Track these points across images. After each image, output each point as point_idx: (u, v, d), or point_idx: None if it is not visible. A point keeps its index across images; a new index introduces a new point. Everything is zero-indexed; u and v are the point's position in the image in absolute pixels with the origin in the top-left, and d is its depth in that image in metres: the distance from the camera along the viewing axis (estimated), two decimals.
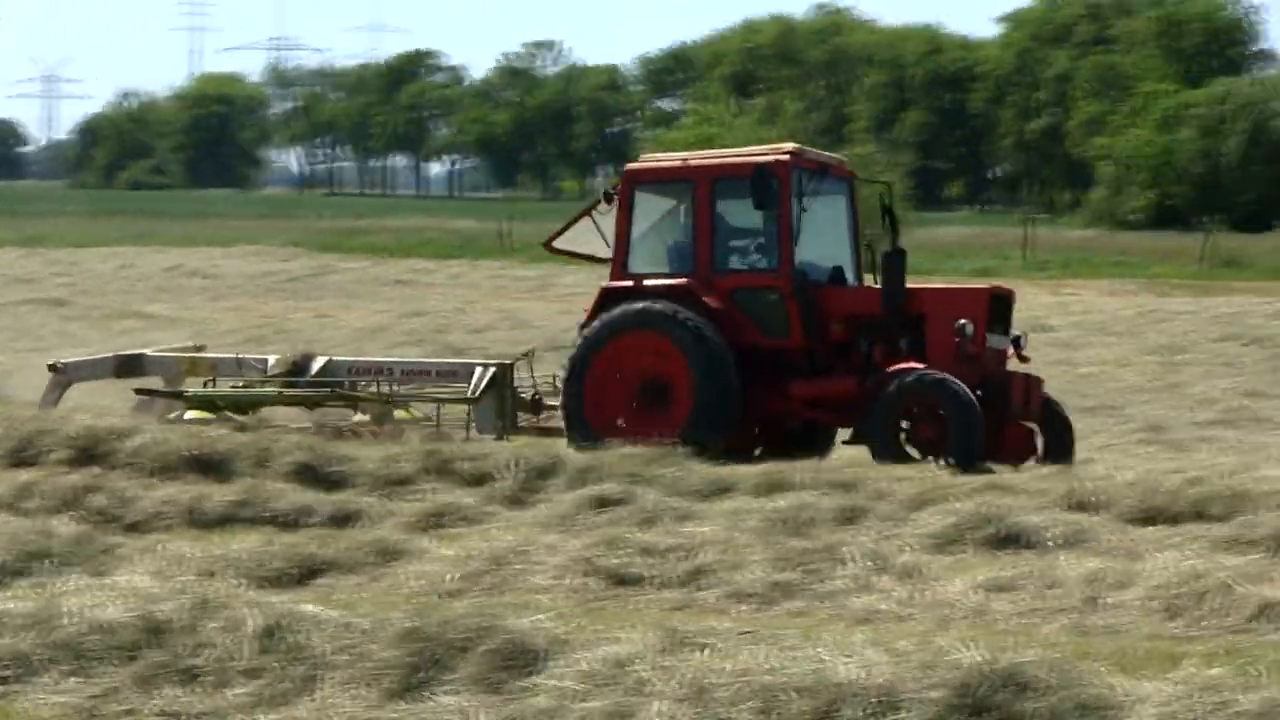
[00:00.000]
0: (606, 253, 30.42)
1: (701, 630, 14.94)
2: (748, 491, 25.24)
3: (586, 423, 28.15)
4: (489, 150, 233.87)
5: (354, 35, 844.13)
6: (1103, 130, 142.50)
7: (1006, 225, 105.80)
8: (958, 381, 27.09)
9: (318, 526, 22.42)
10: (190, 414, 31.10)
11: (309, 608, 15.19)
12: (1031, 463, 27.50)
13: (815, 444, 28.86)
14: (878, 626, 17.42)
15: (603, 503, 23.36)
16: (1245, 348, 51.39)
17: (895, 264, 28.61)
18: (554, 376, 30.89)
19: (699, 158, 30.64)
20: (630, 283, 28.73)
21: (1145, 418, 36.05)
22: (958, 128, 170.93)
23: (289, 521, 23.04)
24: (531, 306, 60.85)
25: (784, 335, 28.42)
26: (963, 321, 27.75)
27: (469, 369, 31.28)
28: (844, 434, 29.32)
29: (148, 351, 34.56)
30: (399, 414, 31.27)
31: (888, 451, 26.82)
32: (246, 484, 24.26)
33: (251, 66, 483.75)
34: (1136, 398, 39.84)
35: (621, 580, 19.71)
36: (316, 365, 32.34)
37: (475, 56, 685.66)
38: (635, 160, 30.69)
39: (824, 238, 29.13)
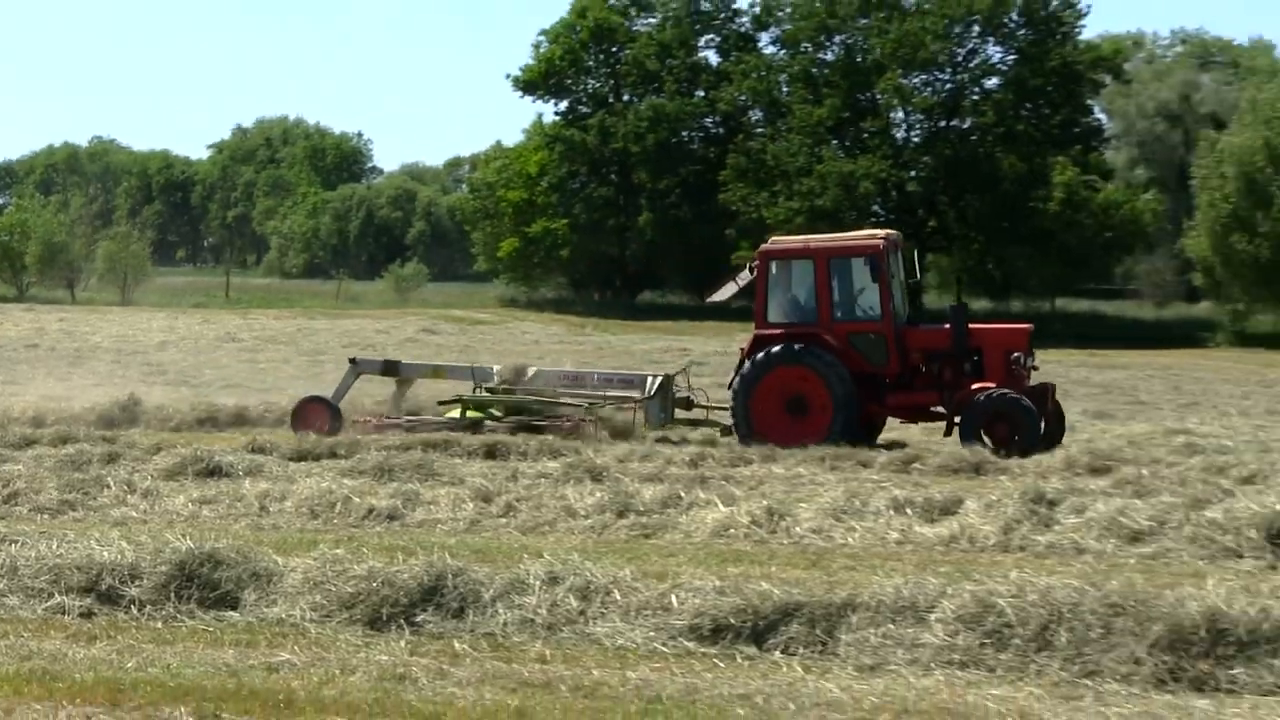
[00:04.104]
0: (726, 295, 31.14)
1: (14, 532, 15.55)
2: (48, 443, 25.77)
3: (751, 427, 27.81)
4: None
5: None
6: (274, 216, 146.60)
7: (216, 275, 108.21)
8: (1021, 396, 27.32)
9: None
10: (452, 413, 29.84)
11: None
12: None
13: (874, 434, 28.70)
14: (128, 527, 17.88)
15: None
16: (362, 352, 52.67)
17: (960, 312, 29.19)
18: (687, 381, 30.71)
19: (817, 241, 30.06)
20: (776, 330, 28.48)
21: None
22: (183, 215, 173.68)
23: None
24: None
25: (884, 364, 28.44)
26: (1016, 354, 28.09)
27: (642, 378, 30.78)
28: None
29: (403, 360, 33.25)
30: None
31: (976, 442, 26.42)
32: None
33: None
34: (293, 383, 39.72)
35: None
36: (530, 373, 31.20)
37: None
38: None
39: (896, 291, 28.75)
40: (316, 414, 29.68)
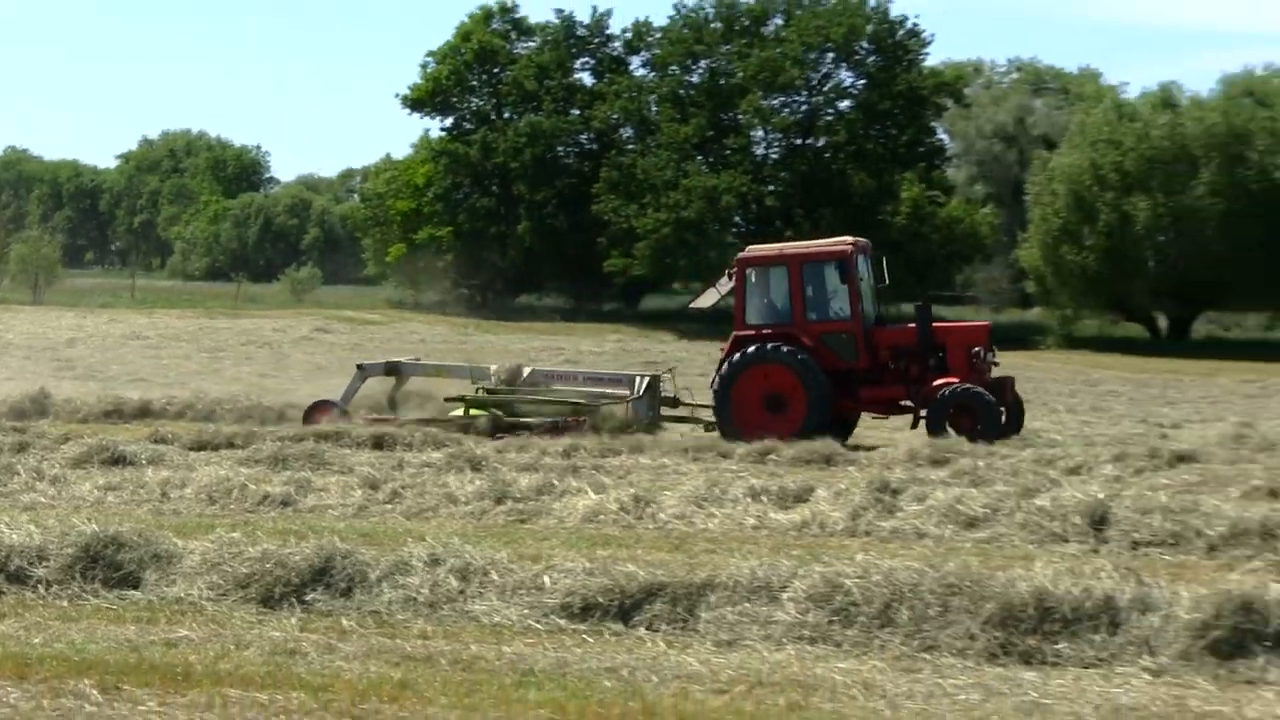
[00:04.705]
0: (708, 301, 31.22)
1: None
2: None
3: (733, 422, 27.61)
4: None
5: None
6: (177, 223, 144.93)
7: (123, 277, 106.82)
8: (983, 389, 27.42)
9: None
10: (457, 411, 29.10)
11: None
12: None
13: (848, 431, 28.56)
14: (37, 512, 17.70)
15: None
16: (259, 349, 52.94)
17: (924, 312, 29.04)
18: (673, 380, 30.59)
19: (791, 248, 30.17)
20: (753, 331, 28.37)
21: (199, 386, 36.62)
22: (92, 220, 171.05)
23: None
24: None
25: (854, 360, 28.35)
26: (978, 349, 28.14)
27: (630, 377, 30.40)
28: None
29: (404, 360, 32.52)
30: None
31: (942, 432, 26.49)
32: None
33: None
34: (194, 378, 40.02)
35: None
36: (525, 373, 30.56)
37: None
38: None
39: (866, 293, 28.74)
40: (326, 415, 29.00)
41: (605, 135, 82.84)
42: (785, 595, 12.35)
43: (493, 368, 30.92)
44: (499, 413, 28.90)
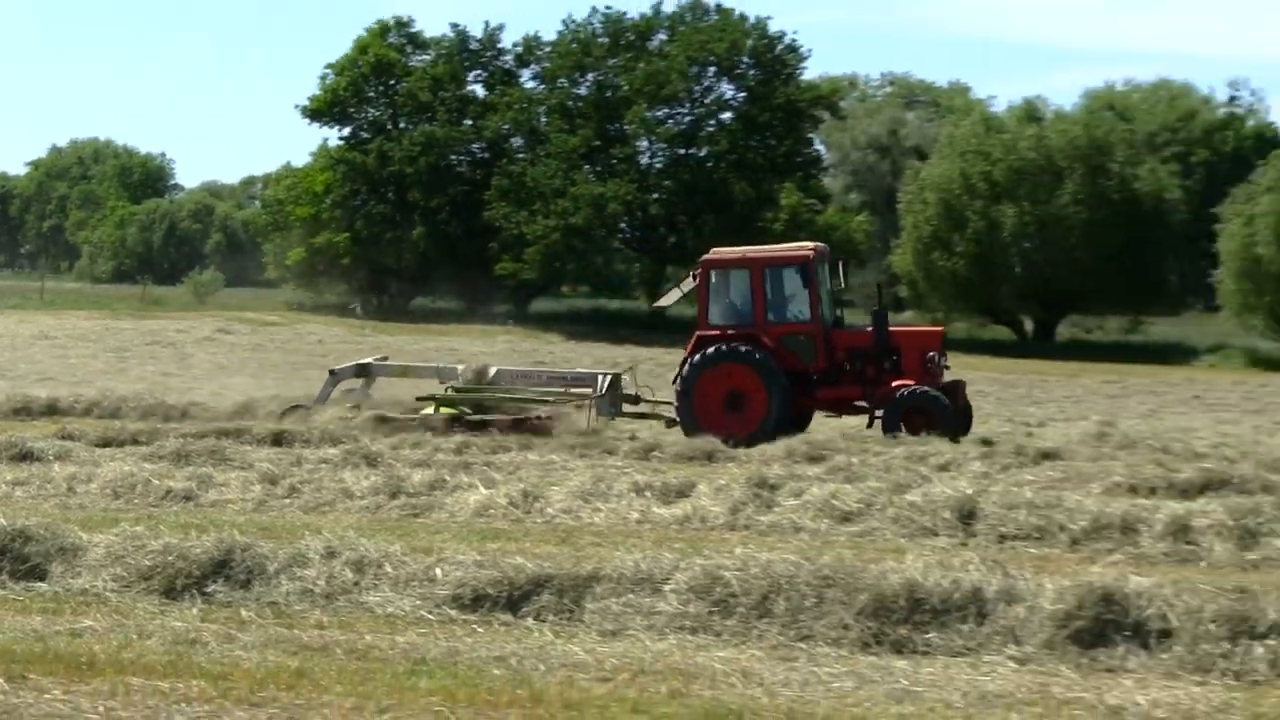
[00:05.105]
0: (671, 300, 31.43)
1: None
2: None
3: (695, 420, 27.37)
4: None
5: None
6: (85, 227, 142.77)
7: (32, 279, 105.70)
8: (937, 391, 27.29)
9: None
10: (429, 409, 28.46)
11: None
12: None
13: (804, 424, 28.25)
14: None
15: None
16: (163, 349, 52.52)
17: (881, 317, 28.77)
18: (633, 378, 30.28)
19: (754, 253, 29.91)
20: (716, 331, 28.14)
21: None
22: (3, 225, 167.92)
23: None
24: None
25: (813, 361, 28.21)
26: (932, 353, 27.91)
27: (593, 376, 29.98)
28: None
29: (373, 361, 31.98)
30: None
31: (897, 431, 26.38)
32: None
33: None
34: (100, 377, 39.71)
35: None
36: (491, 372, 30.10)
37: None
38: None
39: (824, 297, 28.52)
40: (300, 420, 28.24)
41: (497, 145, 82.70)
42: (667, 587, 12.36)
43: (460, 367, 30.65)
44: (467, 410, 28.57)
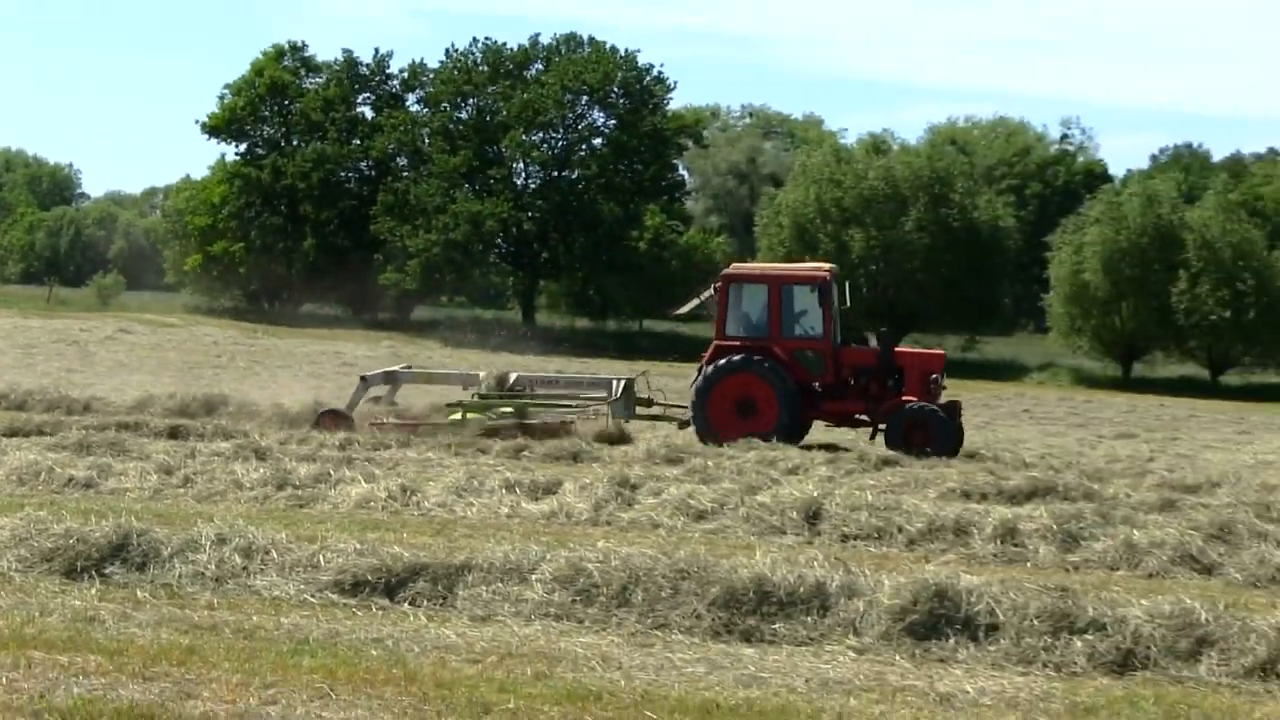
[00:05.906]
0: (688, 309, 30.95)
1: None
2: None
3: (709, 425, 27.07)
4: None
5: None
6: None
7: None
8: (937, 409, 26.98)
9: None
10: (458, 415, 27.79)
11: None
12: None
13: (804, 433, 27.90)
14: None
15: None
16: (68, 346, 51.54)
17: (886, 338, 28.75)
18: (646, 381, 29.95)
19: (773, 270, 29.63)
20: (734, 342, 27.78)
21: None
22: None
23: None
24: None
25: (822, 375, 27.90)
26: (934, 375, 27.63)
27: (609, 380, 29.45)
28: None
29: (399, 369, 31.21)
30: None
31: (900, 447, 25.97)
32: None
33: None
34: (8, 371, 38.31)
35: None
36: (512, 379, 29.41)
37: None
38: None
39: (834, 316, 28.10)
40: (334, 421, 27.55)
41: (383, 163, 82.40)
42: (534, 577, 12.36)
43: (481, 374, 30.06)
44: (492, 416, 27.95)
